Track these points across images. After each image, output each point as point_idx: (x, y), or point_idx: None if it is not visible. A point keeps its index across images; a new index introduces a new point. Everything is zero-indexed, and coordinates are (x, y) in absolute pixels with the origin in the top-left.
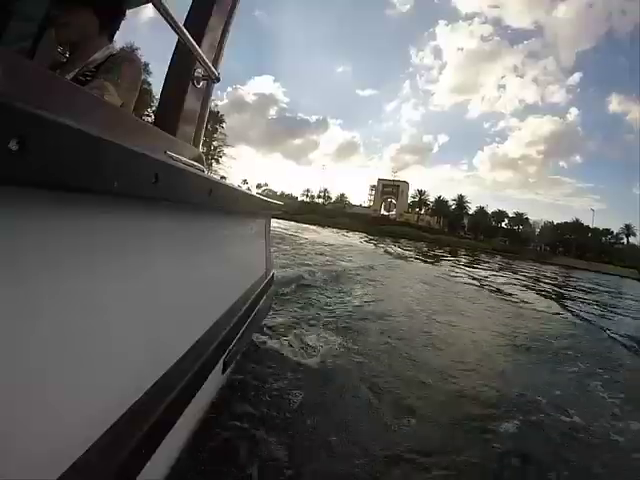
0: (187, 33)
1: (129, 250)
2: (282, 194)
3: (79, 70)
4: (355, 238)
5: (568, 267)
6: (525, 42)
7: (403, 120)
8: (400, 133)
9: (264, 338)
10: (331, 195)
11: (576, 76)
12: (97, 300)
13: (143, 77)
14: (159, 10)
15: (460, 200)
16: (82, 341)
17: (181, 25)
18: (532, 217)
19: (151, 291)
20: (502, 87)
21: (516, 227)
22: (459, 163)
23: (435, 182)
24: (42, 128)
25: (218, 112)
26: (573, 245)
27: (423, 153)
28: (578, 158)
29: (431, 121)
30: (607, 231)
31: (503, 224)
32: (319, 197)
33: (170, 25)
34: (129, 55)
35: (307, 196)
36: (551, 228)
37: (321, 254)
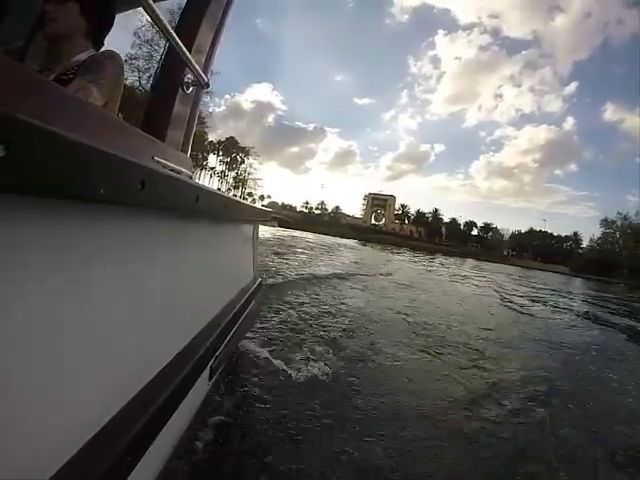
0: (177, 38)
1: (115, 257)
2: (282, 205)
3: (62, 70)
4: (352, 242)
5: (522, 267)
6: (523, 52)
7: (400, 129)
8: (397, 142)
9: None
10: (327, 207)
11: (573, 85)
12: (83, 307)
13: (132, 81)
14: (150, 15)
15: (435, 212)
16: (70, 348)
17: (172, 30)
18: (517, 226)
19: (137, 298)
20: (499, 96)
21: (487, 234)
22: (455, 172)
23: (431, 191)
24: (29, 133)
25: (245, 147)
26: (531, 249)
27: (420, 162)
28: (573, 166)
29: (428, 130)
30: (568, 237)
31: (475, 232)
32: (317, 209)
33: (160, 30)
34: (110, 53)
35: (306, 208)
36: (518, 235)
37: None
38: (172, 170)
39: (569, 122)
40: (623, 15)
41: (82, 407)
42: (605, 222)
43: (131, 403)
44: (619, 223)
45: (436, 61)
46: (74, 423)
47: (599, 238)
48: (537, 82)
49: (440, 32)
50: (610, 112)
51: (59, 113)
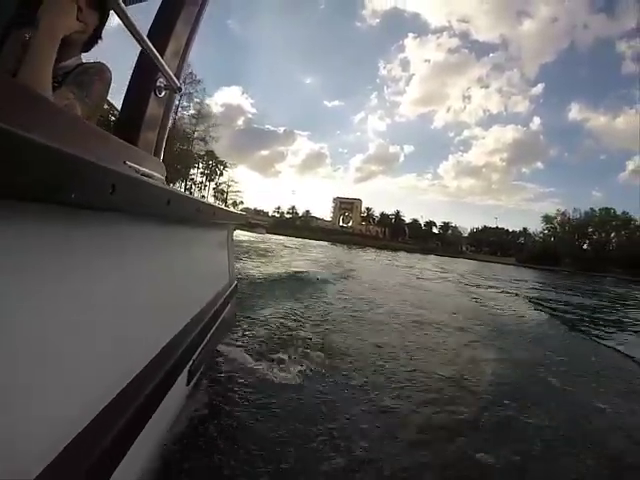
0: (150, 43)
1: (88, 262)
2: (255, 210)
3: None
4: (323, 243)
5: (474, 260)
6: (491, 54)
7: (370, 131)
8: (367, 144)
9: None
10: (298, 211)
11: (539, 87)
12: (54, 312)
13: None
14: (122, 20)
15: (397, 214)
16: (44, 351)
17: (144, 35)
18: (486, 224)
19: (110, 302)
20: (467, 98)
21: (446, 232)
22: (424, 172)
23: (401, 191)
24: None
25: (223, 161)
26: (489, 244)
27: (389, 163)
28: (540, 164)
29: (397, 132)
30: (521, 233)
31: (435, 230)
32: (288, 213)
33: (133, 35)
34: (100, 67)
35: (278, 212)
36: (476, 232)
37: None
38: (144, 174)
39: (535, 122)
40: (589, 20)
41: (59, 410)
42: (546, 218)
43: (106, 409)
44: (559, 219)
45: (405, 64)
46: (50, 427)
47: (540, 232)
48: (504, 84)
49: (410, 35)
50: (575, 112)
51: (28, 116)
